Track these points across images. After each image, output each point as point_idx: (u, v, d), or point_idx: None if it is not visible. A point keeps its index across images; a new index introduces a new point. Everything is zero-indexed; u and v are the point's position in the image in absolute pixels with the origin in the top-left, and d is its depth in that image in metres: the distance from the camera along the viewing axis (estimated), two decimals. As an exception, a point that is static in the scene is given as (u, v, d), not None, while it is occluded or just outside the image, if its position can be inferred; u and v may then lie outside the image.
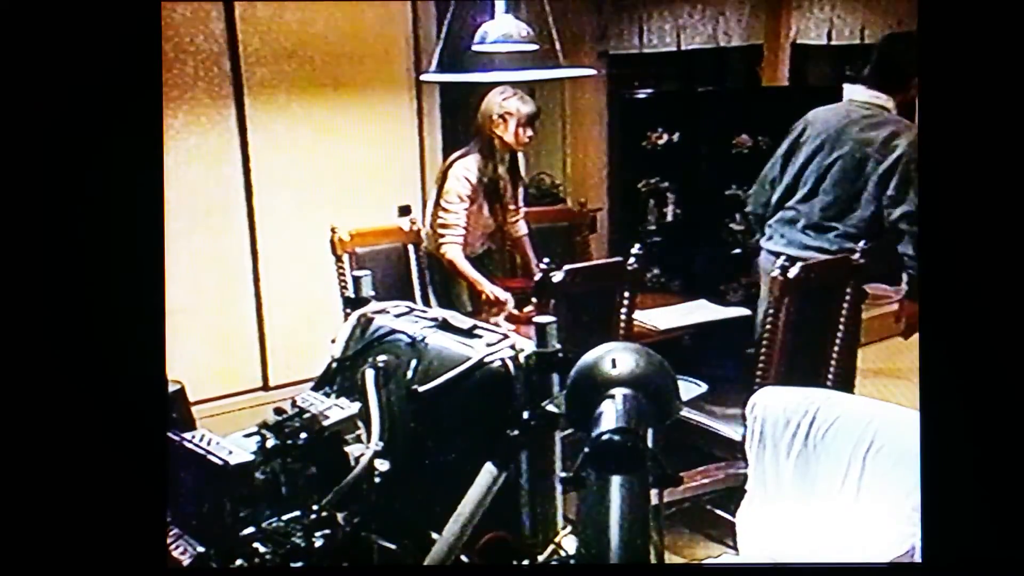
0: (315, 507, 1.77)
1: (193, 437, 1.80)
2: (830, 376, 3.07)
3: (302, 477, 1.82)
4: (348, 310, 2.17)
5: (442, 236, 3.64)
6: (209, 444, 1.77)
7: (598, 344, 1.39)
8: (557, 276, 2.99)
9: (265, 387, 4.26)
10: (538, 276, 3.01)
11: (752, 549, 2.20)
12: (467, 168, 3.65)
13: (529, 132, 3.64)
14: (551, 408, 1.59)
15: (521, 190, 3.97)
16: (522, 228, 3.98)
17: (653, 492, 1.25)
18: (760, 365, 2.94)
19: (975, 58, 1.30)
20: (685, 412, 2.95)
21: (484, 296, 3.60)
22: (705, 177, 4.61)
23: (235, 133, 4.04)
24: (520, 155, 3.92)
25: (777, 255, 3.21)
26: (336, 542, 1.74)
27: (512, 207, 3.90)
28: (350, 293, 2.24)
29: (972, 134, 1.30)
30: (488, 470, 1.56)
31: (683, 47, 5.33)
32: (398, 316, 2.07)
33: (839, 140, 3.33)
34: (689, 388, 3.29)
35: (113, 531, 1.30)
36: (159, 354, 1.36)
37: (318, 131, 4.24)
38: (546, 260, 3.02)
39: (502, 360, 1.77)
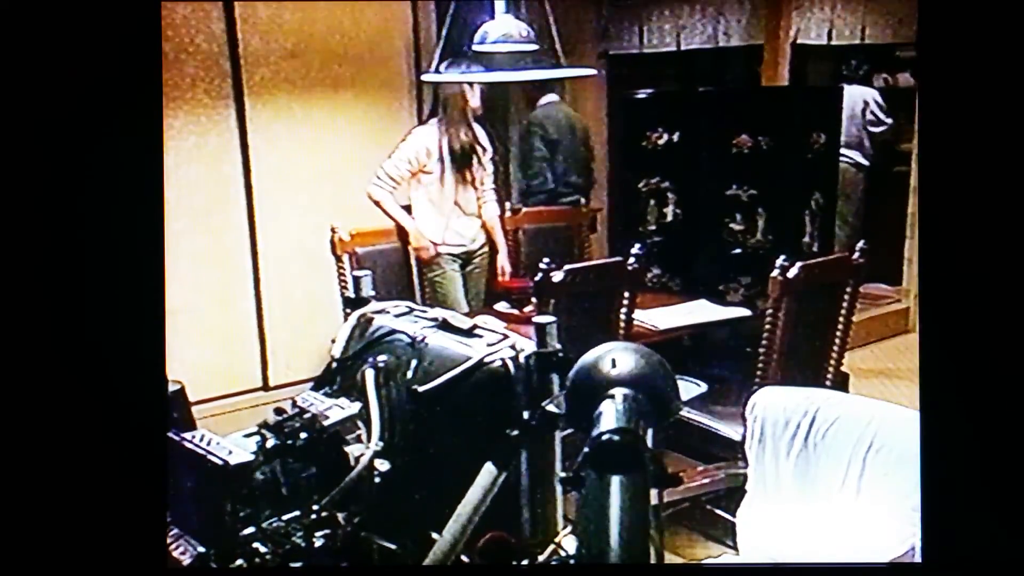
0: (315, 507, 1.77)
1: (193, 437, 1.80)
2: (829, 376, 3.08)
3: (302, 477, 1.82)
4: (348, 310, 2.17)
5: (376, 181, 3.83)
6: (209, 444, 1.77)
7: (598, 344, 1.39)
8: (557, 276, 2.99)
9: (265, 387, 4.26)
10: (538, 276, 3.01)
11: (752, 549, 2.20)
12: (427, 135, 3.85)
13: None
14: (551, 408, 1.59)
15: (490, 167, 4.06)
16: (490, 210, 4.05)
17: (653, 492, 1.25)
18: (760, 365, 2.94)
19: (975, 58, 1.30)
20: (685, 412, 2.95)
21: (410, 237, 3.82)
22: (705, 177, 4.60)
23: (235, 133, 4.04)
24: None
25: None
26: (336, 542, 1.75)
27: (480, 184, 3.99)
28: (350, 293, 2.24)
29: (972, 134, 1.30)
30: (488, 470, 1.56)
31: (683, 47, 5.33)
32: (398, 316, 2.07)
33: None
34: (689, 388, 3.29)
35: (113, 531, 1.30)
36: (159, 354, 1.36)
37: (318, 131, 4.24)
38: (546, 260, 3.02)
39: (502, 360, 1.77)
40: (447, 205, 3.92)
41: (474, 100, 3.87)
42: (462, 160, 3.88)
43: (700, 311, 3.66)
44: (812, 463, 2.15)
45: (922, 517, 1.35)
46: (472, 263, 4.08)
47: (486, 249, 4.13)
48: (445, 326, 1.96)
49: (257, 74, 4.05)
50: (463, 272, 4.04)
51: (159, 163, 1.36)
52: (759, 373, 2.93)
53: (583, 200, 4.73)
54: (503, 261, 4.05)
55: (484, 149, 4.02)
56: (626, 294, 3.15)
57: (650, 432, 1.28)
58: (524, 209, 4.42)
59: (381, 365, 1.93)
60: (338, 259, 3.75)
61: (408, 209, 3.95)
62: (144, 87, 1.33)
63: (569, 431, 1.65)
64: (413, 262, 3.93)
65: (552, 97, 4.87)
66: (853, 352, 3.67)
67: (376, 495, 1.82)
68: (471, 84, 3.76)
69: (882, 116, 5.96)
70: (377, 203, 3.85)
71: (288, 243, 4.20)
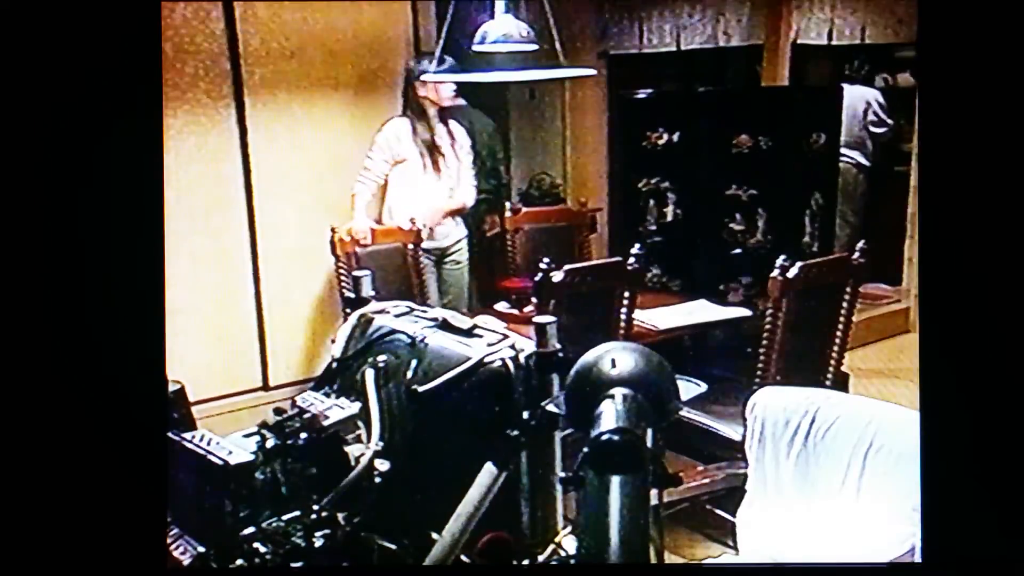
0: (315, 507, 1.77)
1: (193, 437, 1.80)
2: (829, 376, 3.07)
3: (302, 477, 1.82)
4: (348, 310, 2.17)
5: (359, 180, 3.96)
6: (209, 444, 1.77)
7: (598, 344, 1.39)
8: (557, 276, 2.99)
9: (265, 387, 4.25)
10: (538, 276, 3.01)
11: (752, 549, 2.20)
12: (397, 124, 3.97)
13: (451, 89, 3.96)
14: (551, 408, 1.59)
15: (467, 159, 4.09)
16: (462, 197, 4.08)
17: (653, 492, 1.25)
18: (760, 365, 2.94)
19: (975, 58, 1.30)
20: (685, 412, 2.94)
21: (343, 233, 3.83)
22: (705, 177, 4.60)
23: (235, 133, 4.03)
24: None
25: None
26: (336, 542, 1.75)
27: (454, 176, 4.02)
28: (350, 293, 2.24)
29: (972, 134, 1.30)
30: (488, 470, 1.57)
31: (683, 47, 5.32)
32: (398, 316, 2.08)
33: None
34: (689, 388, 3.28)
35: (113, 531, 1.30)
36: (159, 354, 1.36)
37: (318, 131, 4.23)
38: (546, 260, 3.02)
39: (502, 360, 1.77)
40: (418, 196, 3.96)
41: (431, 94, 3.93)
42: (428, 153, 3.94)
43: (700, 311, 3.66)
44: (812, 463, 2.15)
45: (922, 517, 1.35)
46: (446, 260, 4.08)
47: (462, 246, 4.12)
48: (445, 326, 1.96)
49: (257, 74, 4.04)
50: (438, 270, 4.06)
51: (159, 163, 1.36)
52: (759, 373, 2.93)
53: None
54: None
55: (455, 142, 4.05)
56: (626, 294, 3.15)
57: (650, 432, 1.28)
58: (524, 209, 4.42)
59: (381, 365, 1.93)
60: (338, 259, 3.75)
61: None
62: (144, 87, 1.33)
63: (569, 431, 1.65)
64: (410, 260, 3.93)
65: (459, 102, 4.84)
66: (853, 352, 3.67)
67: (376, 495, 1.82)
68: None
69: (884, 116, 5.96)
70: (352, 196, 3.95)
71: (288, 243, 4.20)
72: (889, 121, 5.94)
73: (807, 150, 4.51)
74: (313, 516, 1.76)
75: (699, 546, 3.00)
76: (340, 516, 1.78)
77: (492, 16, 3.07)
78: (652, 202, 4.72)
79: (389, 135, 3.96)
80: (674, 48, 5.36)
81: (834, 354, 3.09)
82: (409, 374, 1.89)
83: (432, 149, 3.96)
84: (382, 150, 3.95)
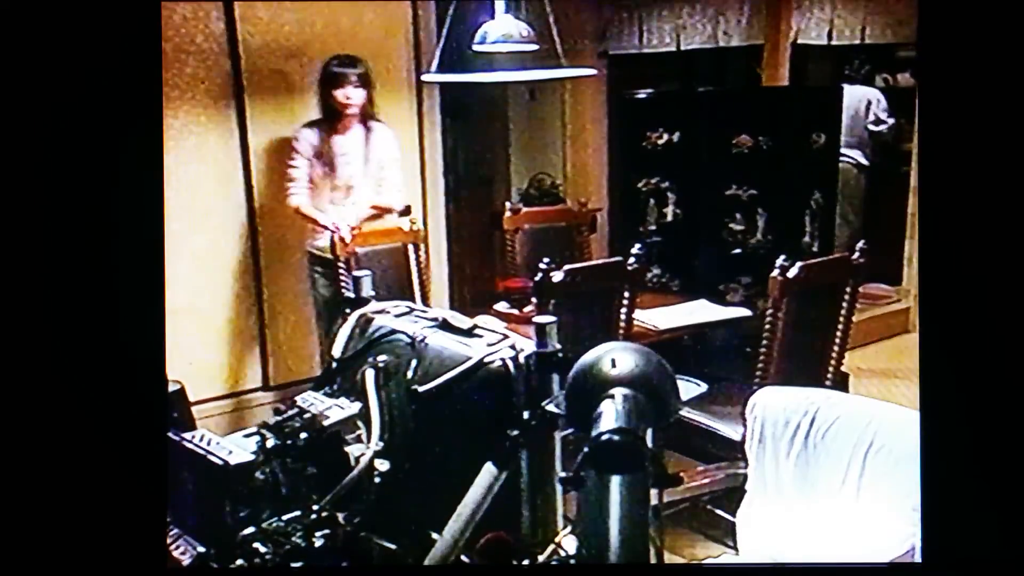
0: (315, 507, 1.77)
1: (193, 437, 1.80)
2: (829, 376, 3.08)
3: (302, 477, 1.82)
4: (348, 310, 2.17)
5: (287, 189, 3.87)
6: (209, 444, 1.77)
7: (598, 344, 1.39)
8: (557, 276, 2.99)
9: (265, 387, 4.26)
10: (538, 276, 3.01)
11: (752, 549, 2.20)
12: (309, 130, 3.88)
13: (361, 94, 3.81)
14: (551, 408, 1.59)
15: (389, 161, 3.96)
16: (383, 202, 3.96)
17: (653, 492, 1.25)
18: (760, 365, 2.94)
19: (975, 58, 1.30)
20: (685, 412, 2.95)
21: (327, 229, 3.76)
22: (705, 177, 4.61)
23: (235, 133, 4.04)
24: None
25: None
26: (336, 542, 1.75)
27: (373, 178, 3.93)
28: (350, 293, 2.24)
29: (972, 134, 1.30)
30: (488, 470, 1.57)
31: (683, 47, 5.33)
32: (398, 316, 2.08)
33: None
34: (689, 388, 3.29)
35: (113, 531, 1.30)
36: (159, 354, 1.36)
37: (318, 131, 4.23)
38: (546, 260, 3.02)
39: (502, 360, 1.77)
40: (322, 200, 3.90)
41: (341, 97, 3.77)
42: (333, 157, 3.87)
43: (700, 311, 3.66)
44: (812, 463, 2.15)
45: (922, 517, 1.35)
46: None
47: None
48: (445, 326, 1.96)
49: (257, 74, 4.05)
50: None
51: (159, 163, 1.36)
52: (759, 373, 2.93)
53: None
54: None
55: (370, 145, 3.93)
56: (626, 294, 3.15)
57: (650, 432, 1.28)
58: (524, 209, 4.43)
59: (381, 365, 1.93)
60: (337, 259, 3.75)
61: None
62: (144, 87, 1.33)
63: (569, 431, 1.65)
64: (413, 262, 3.92)
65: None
66: (853, 352, 3.67)
67: (376, 495, 1.82)
68: (336, 80, 3.78)
69: (884, 116, 5.96)
70: (296, 208, 3.85)
71: (288, 243, 4.20)
72: (889, 120, 5.94)
73: (807, 150, 4.51)
74: (313, 516, 1.76)
75: (699, 546, 3.00)
76: (340, 516, 1.78)
77: (492, 16, 3.07)
78: (652, 202, 4.73)
79: (301, 140, 3.87)
80: (674, 48, 5.36)
81: (834, 354, 3.09)
82: (409, 374, 1.89)
83: (336, 153, 3.87)
84: (299, 155, 3.86)
